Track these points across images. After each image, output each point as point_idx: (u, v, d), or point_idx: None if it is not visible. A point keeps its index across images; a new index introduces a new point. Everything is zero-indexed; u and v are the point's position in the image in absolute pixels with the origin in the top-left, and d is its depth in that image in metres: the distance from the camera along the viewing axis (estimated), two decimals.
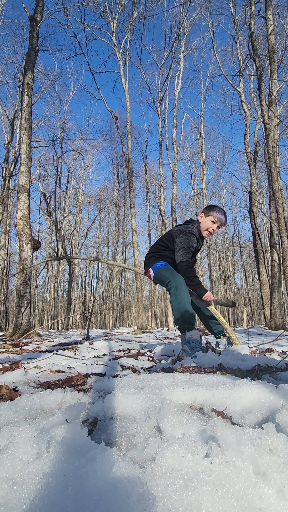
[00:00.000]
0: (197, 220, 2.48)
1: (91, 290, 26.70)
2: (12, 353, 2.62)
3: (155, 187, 21.27)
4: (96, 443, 0.64)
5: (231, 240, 24.28)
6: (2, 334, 6.36)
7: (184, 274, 2.23)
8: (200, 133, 17.92)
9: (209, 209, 2.41)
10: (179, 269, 2.26)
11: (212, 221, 2.37)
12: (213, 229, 2.39)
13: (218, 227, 2.40)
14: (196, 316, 2.58)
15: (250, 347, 2.08)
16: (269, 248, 8.31)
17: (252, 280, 25.39)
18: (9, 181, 13.45)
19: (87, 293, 26.49)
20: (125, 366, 1.69)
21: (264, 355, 1.89)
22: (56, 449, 0.60)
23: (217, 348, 2.30)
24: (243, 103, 11.90)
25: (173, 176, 13.67)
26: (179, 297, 2.10)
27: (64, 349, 2.68)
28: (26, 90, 6.64)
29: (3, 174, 13.47)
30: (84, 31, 12.47)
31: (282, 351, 2.14)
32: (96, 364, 1.77)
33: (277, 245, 7.71)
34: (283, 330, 6.03)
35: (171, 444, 0.61)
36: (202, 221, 2.42)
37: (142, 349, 2.78)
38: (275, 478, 0.50)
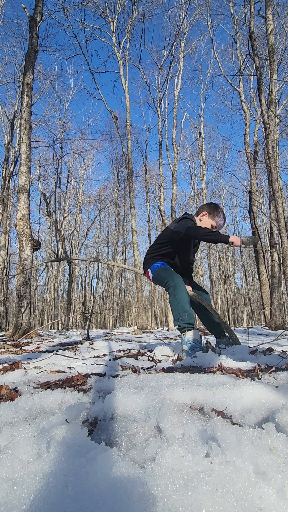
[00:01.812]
0: (195, 215, 2.48)
1: (91, 290, 26.70)
2: (12, 353, 2.62)
3: (155, 187, 21.28)
4: (96, 443, 0.64)
5: None
6: (2, 334, 6.36)
7: (197, 234, 2.10)
8: (200, 133, 17.92)
9: (214, 212, 2.38)
10: (191, 233, 2.12)
11: (212, 226, 2.38)
12: None
13: None
14: (196, 316, 2.58)
15: (250, 347, 2.08)
16: (269, 248, 8.31)
17: (252, 280, 25.39)
18: (9, 181, 13.45)
19: (87, 293, 26.48)
20: (125, 366, 1.69)
21: (264, 355, 1.89)
22: (56, 449, 0.60)
23: (217, 348, 2.30)
24: (242, 103, 11.90)
25: (173, 176, 13.67)
26: (178, 297, 2.10)
27: (64, 349, 2.68)
28: (25, 90, 6.64)
29: (3, 175, 13.47)
30: (83, 31, 12.47)
31: (282, 351, 2.14)
32: (96, 364, 1.77)
33: (277, 245, 7.71)
34: (283, 330, 6.03)
35: (171, 444, 0.61)
36: (203, 221, 2.41)
37: (142, 349, 2.78)
38: (275, 478, 0.50)
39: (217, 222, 2.37)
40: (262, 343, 2.54)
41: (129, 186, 11.69)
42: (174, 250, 2.40)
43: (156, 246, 2.49)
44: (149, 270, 2.42)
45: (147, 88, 15.57)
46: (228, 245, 2.10)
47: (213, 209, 2.39)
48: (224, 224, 2.42)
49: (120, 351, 2.65)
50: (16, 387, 1.21)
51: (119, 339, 4.51)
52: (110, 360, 1.99)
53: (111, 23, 12.68)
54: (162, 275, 2.26)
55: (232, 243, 2.06)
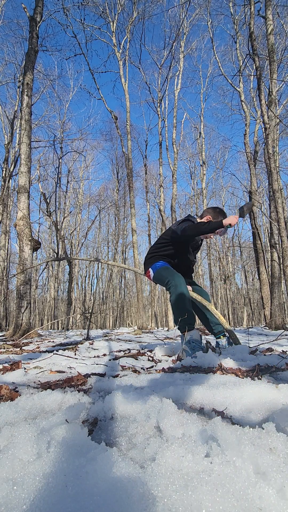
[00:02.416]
0: (199, 218, 2.49)
1: (91, 290, 26.70)
2: (12, 353, 2.62)
3: (155, 187, 21.28)
4: (96, 443, 0.64)
5: (231, 240, 24.28)
6: (2, 334, 6.36)
7: (195, 230, 2.16)
8: (200, 133, 17.92)
9: (218, 218, 2.38)
10: (187, 232, 2.18)
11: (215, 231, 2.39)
12: (210, 237, 2.44)
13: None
14: (196, 316, 2.59)
15: (250, 347, 2.08)
16: (269, 248, 8.31)
17: (252, 280, 25.39)
18: (9, 181, 13.45)
19: (87, 293, 26.49)
20: (125, 366, 1.69)
21: (264, 355, 1.89)
22: (56, 449, 0.60)
23: (217, 348, 2.29)
24: (242, 103, 11.90)
25: (173, 176, 13.67)
26: (179, 297, 2.10)
27: (64, 349, 2.68)
28: (25, 90, 6.63)
29: (3, 175, 13.47)
30: (83, 31, 12.46)
31: (282, 351, 2.14)
32: (96, 364, 1.77)
33: (277, 245, 7.71)
34: (283, 330, 6.03)
35: (171, 444, 0.61)
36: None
37: (142, 349, 2.78)
38: (275, 478, 0.50)
39: (219, 229, 2.38)
40: (262, 343, 2.53)
41: (129, 186, 11.69)
42: (175, 251, 2.41)
43: (157, 245, 2.49)
44: (150, 269, 2.42)
45: (147, 88, 15.57)
46: (227, 228, 2.14)
47: (217, 214, 2.40)
48: (227, 231, 2.42)
49: (120, 351, 2.65)
50: (16, 387, 1.21)
51: (119, 339, 4.51)
52: (110, 360, 1.99)
53: (111, 23, 12.68)
54: (163, 275, 2.27)
55: (230, 225, 2.12)
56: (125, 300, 26.90)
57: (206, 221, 2.41)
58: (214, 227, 2.14)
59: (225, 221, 2.13)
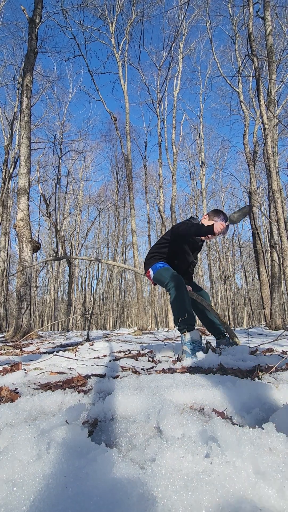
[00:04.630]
0: (201, 220, 2.49)
1: (91, 291, 26.70)
2: (12, 355, 2.62)
3: (155, 188, 21.31)
4: (96, 444, 0.64)
5: (231, 240, 24.27)
6: (3, 335, 6.35)
7: (187, 230, 2.18)
8: (199, 133, 17.94)
9: (214, 214, 2.39)
10: (184, 233, 2.20)
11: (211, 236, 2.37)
12: (213, 238, 2.41)
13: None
14: (196, 316, 2.59)
15: (250, 347, 2.07)
16: (269, 248, 8.31)
17: (252, 280, 25.38)
18: (8, 182, 13.46)
19: (87, 294, 26.47)
20: (126, 367, 1.69)
21: (265, 355, 1.89)
22: (56, 450, 0.60)
23: (217, 349, 2.29)
24: (242, 103, 11.91)
25: (172, 177, 13.68)
26: (179, 298, 2.10)
27: (64, 351, 2.68)
28: (25, 92, 6.65)
29: (3, 176, 13.47)
30: (83, 32, 12.48)
31: (283, 351, 2.14)
32: (97, 365, 1.77)
33: (277, 245, 7.71)
34: (283, 330, 6.02)
35: (171, 444, 0.61)
36: (205, 223, 2.42)
37: (142, 349, 2.78)
38: (275, 478, 0.50)
39: (217, 221, 2.37)
40: (263, 343, 2.53)
41: (129, 187, 11.69)
42: (174, 251, 2.41)
43: (158, 246, 2.49)
44: (150, 269, 2.42)
45: (146, 89, 15.65)
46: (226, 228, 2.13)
47: (212, 212, 2.43)
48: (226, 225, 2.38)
49: (120, 352, 2.65)
50: (16, 389, 1.21)
51: (119, 340, 4.50)
52: (110, 361, 1.99)
53: (110, 25, 12.70)
54: (163, 275, 2.27)
55: (214, 232, 2.08)
56: (125, 301, 26.90)
57: (205, 222, 2.42)
58: (204, 231, 2.10)
59: (215, 230, 2.07)
